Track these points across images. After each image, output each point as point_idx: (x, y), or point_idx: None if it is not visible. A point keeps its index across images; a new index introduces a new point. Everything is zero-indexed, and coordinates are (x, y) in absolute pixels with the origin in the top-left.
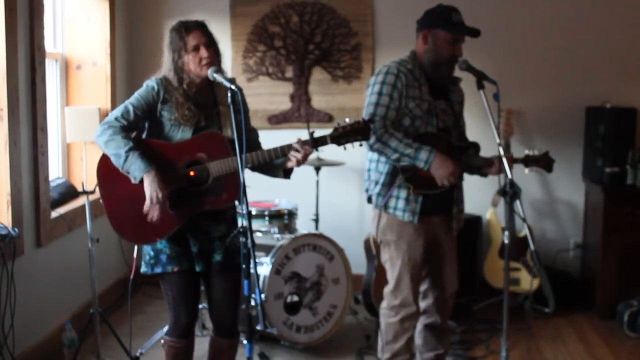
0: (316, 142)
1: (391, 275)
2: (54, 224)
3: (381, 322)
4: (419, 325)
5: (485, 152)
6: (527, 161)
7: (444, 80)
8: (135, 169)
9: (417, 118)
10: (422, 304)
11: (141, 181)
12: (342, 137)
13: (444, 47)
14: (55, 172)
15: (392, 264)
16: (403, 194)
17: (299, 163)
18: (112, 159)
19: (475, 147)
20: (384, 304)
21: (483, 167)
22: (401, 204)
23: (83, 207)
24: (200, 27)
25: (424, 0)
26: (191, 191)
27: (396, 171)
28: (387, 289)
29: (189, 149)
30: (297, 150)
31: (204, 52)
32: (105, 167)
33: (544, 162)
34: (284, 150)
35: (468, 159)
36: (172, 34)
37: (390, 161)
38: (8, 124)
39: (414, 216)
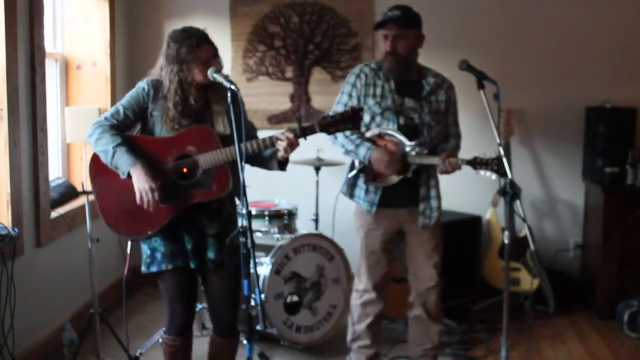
0: (305, 131)
1: (358, 261)
2: (54, 224)
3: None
4: (408, 319)
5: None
6: (475, 164)
7: (397, 76)
8: (123, 163)
9: (377, 115)
10: (409, 297)
11: (129, 176)
12: (331, 125)
13: (382, 45)
14: (55, 172)
15: (359, 250)
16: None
17: (287, 151)
18: (101, 155)
19: (423, 145)
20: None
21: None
22: (362, 193)
23: (83, 207)
24: (208, 41)
25: (423, 1)
26: (181, 184)
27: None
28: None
29: (178, 142)
30: (283, 140)
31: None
32: (95, 164)
33: (494, 166)
34: (272, 140)
35: (410, 157)
36: (178, 46)
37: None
38: (8, 124)
39: (371, 206)
